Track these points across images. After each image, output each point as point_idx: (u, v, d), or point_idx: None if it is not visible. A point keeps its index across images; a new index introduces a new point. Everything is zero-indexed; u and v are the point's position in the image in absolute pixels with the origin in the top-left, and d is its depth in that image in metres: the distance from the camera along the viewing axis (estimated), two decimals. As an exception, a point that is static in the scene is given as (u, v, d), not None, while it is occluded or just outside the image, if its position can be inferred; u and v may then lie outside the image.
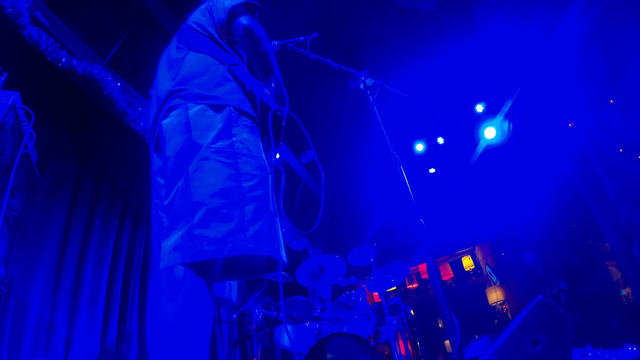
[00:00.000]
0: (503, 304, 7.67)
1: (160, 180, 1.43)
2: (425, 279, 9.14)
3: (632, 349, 3.47)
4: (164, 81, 1.50)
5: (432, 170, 6.89)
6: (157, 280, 1.29)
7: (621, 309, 5.19)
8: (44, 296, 2.72)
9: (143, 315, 3.50)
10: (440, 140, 6.53)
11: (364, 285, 3.93)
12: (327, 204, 6.99)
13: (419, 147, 6.56)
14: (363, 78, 1.80)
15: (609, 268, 5.83)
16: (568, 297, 5.37)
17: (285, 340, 3.40)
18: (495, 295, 7.76)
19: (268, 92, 1.41)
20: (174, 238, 1.11)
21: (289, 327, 3.43)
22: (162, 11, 3.95)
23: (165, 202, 1.24)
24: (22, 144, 1.80)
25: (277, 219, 1.26)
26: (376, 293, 4.09)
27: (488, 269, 8.16)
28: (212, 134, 1.24)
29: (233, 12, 1.47)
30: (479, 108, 6.03)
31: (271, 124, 1.34)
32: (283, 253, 1.25)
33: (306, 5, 4.22)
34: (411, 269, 7.10)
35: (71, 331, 2.83)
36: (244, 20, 1.45)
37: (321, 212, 1.37)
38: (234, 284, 1.47)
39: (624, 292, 5.79)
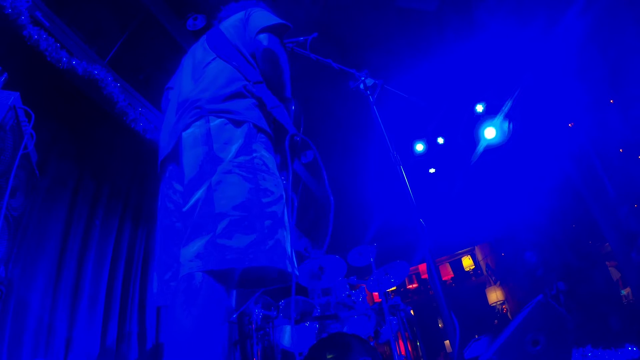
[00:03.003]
0: (503, 304, 7.67)
1: (177, 187, 1.44)
2: (425, 279, 9.15)
3: (632, 349, 3.47)
4: (186, 81, 1.53)
5: (432, 170, 6.89)
6: (164, 284, 1.33)
7: (621, 309, 5.19)
8: (44, 296, 2.72)
9: (143, 315, 3.50)
10: (440, 140, 6.52)
11: (364, 285, 3.93)
12: (327, 204, 6.99)
13: (419, 147, 6.56)
14: (363, 78, 1.80)
15: (609, 268, 5.83)
16: (567, 297, 5.37)
17: (285, 340, 3.40)
18: (495, 295, 7.76)
19: (287, 115, 1.45)
20: (196, 246, 1.15)
21: (288, 327, 3.44)
22: (162, 11, 3.95)
23: (184, 209, 1.26)
24: (22, 144, 1.80)
25: (290, 235, 1.31)
26: (376, 293, 4.10)
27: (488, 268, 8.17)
28: (234, 149, 1.28)
29: (260, 30, 1.50)
30: (479, 108, 6.02)
31: (288, 148, 1.38)
32: (295, 265, 1.30)
33: (306, 5, 4.22)
34: (411, 269, 7.09)
35: (71, 331, 2.83)
36: (265, 40, 1.47)
37: (329, 234, 1.44)
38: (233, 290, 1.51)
39: (624, 292, 5.79)
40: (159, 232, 1.44)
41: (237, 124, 1.32)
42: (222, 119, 1.32)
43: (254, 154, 1.29)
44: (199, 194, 1.22)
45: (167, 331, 1.10)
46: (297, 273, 1.30)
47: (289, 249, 1.26)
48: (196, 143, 1.30)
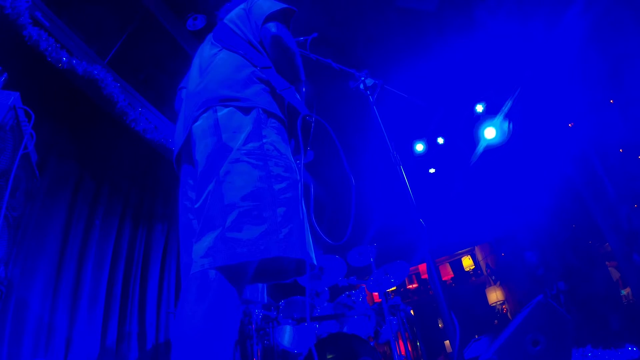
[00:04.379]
0: (503, 304, 7.67)
1: (191, 182, 1.42)
2: (425, 279, 9.14)
3: (632, 349, 3.46)
4: (194, 76, 1.52)
5: (432, 170, 6.89)
6: (186, 282, 1.25)
7: (621, 309, 5.18)
8: (44, 296, 2.72)
9: (143, 315, 3.50)
10: (440, 140, 6.52)
11: (364, 285, 3.93)
12: (328, 203, 6.99)
13: (419, 147, 6.56)
14: (363, 78, 1.80)
15: (609, 268, 5.83)
16: (568, 297, 5.37)
17: (286, 340, 3.40)
18: (495, 295, 7.76)
19: (298, 97, 1.41)
20: (207, 242, 1.11)
21: (288, 327, 3.43)
22: (162, 11, 3.95)
23: (195, 205, 1.23)
24: (22, 144, 1.80)
25: (306, 221, 1.26)
26: (376, 293, 4.10)
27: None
28: (242, 136, 1.23)
29: (266, 18, 1.48)
30: (479, 108, 6.02)
31: (300, 129, 1.33)
32: (313, 255, 1.25)
33: (306, 6, 4.22)
34: (411, 269, 7.10)
35: (71, 331, 2.83)
36: (273, 28, 1.45)
37: (352, 218, 1.34)
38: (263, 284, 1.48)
39: (624, 292, 5.79)
40: (181, 232, 1.41)
41: (246, 111, 1.28)
42: (230, 108, 1.28)
43: (264, 140, 1.24)
44: (209, 187, 1.18)
45: (177, 329, 1.04)
46: (315, 262, 1.25)
47: (305, 236, 1.20)
48: (204, 135, 1.27)
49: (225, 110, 1.28)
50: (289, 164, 1.28)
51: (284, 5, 1.52)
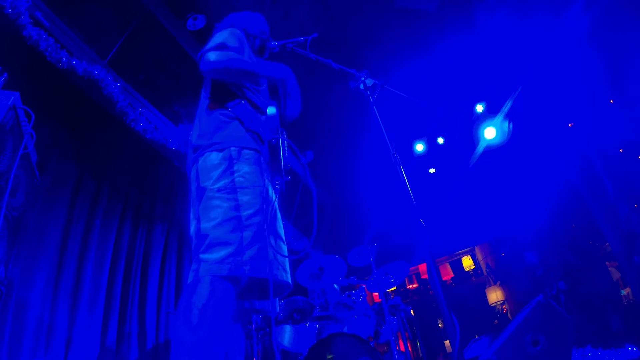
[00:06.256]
0: (503, 304, 7.67)
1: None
2: (425, 279, 9.14)
3: (632, 349, 3.46)
4: (194, 125, 1.67)
5: (432, 170, 6.89)
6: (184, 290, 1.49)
7: (621, 309, 5.18)
8: (44, 296, 2.72)
9: (143, 315, 3.50)
10: (440, 140, 6.52)
11: (364, 285, 3.93)
12: (328, 203, 6.99)
13: (419, 147, 6.55)
14: (363, 78, 1.80)
15: (609, 268, 5.83)
16: (568, 297, 5.37)
17: (286, 340, 3.40)
18: (495, 295, 7.75)
19: (263, 125, 1.55)
20: (194, 262, 1.35)
21: (288, 327, 3.43)
22: (162, 11, 3.95)
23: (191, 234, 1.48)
24: (22, 144, 1.80)
25: (279, 242, 1.44)
26: (376, 293, 4.09)
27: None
28: (215, 174, 1.41)
29: (199, 58, 1.57)
30: (479, 108, 6.02)
31: (269, 154, 1.48)
32: (284, 273, 1.42)
33: (306, 5, 4.22)
34: (411, 269, 7.09)
35: (71, 331, 2.83)
36: (201, 66, 1.53)
37: (315, 229, 1.46)
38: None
39: (624, 292, 5.79)
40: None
41: (219, 151, 1.45)
42: (206, 153, 1.46)
43: (235, 174, 1.41)
44: (193, 225, 1.41)
45: (175, 332, 1.24)
46: (285, 279, 1.42)
47: (268, 256, 1.34)
48: (191, 182, 1.50)
49: (202, 157, 1.48)
50: (260, 191, 1.43)
51: (219, 41, 1.56)
